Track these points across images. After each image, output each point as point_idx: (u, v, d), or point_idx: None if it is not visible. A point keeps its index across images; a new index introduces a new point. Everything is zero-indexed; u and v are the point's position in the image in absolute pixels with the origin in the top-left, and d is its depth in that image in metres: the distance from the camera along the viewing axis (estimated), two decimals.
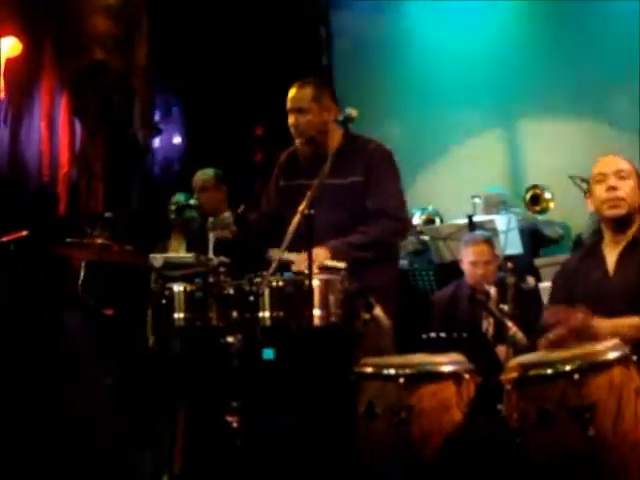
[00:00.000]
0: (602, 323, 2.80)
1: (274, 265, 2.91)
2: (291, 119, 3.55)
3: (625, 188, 3.00)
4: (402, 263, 5.81)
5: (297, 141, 3.59)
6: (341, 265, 3.17)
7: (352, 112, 3.28)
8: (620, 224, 3.03)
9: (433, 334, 3.66)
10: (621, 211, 3.00)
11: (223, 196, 4.90)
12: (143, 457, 4.00)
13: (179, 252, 4.70)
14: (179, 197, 5.11)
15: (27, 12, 5.77)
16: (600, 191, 3.03)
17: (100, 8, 6.04)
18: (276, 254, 3.08)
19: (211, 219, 3.60)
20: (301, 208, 2.96)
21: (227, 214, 3.73)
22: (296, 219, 2.96)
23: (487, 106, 7.24)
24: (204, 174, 4.96)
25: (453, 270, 4.92)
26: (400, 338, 3.60)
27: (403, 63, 7.60)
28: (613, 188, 3.00)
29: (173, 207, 4.87)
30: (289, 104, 3.57)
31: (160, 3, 6.52)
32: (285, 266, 3.12)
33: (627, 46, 6.64)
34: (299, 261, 3.14)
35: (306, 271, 2.91)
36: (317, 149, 3.56)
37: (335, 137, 3.55)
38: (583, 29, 6.98)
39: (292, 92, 3.58)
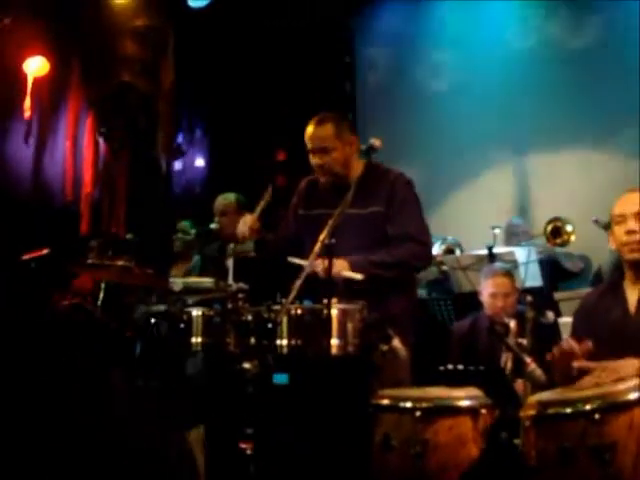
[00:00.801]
0: (627, 362, 2.75)
1: (293, 294, 2.90)
2: (315, 159, 3.54)
3: None
4: (421, 292, 5.80)
5: (322, 178, 3.59)
6: (358, 276, 3.17)
7: (376, 142, 3.29)
8: (639, 266, 2.99)
9: (451, 366, 3.62)
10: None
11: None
12: None
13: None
14: (184, 224, 5.15)
15: (55, 32, 5.86)
16: (620, 233, 2.99)
17: (128, 31, 6.14)
18: (294, 260, 3.10)
19: (231, 245, 3.61)
20: (322, 237, 2.96)
21: (248, 220, 3.70)
22: (316, 248, 2.97)
23: (505, 139, 7.26)
24: (225, 199, 4.97)
25: (472, 301, 4.89)
26: (418, 368, 3.59)
27: (424, 99, 7.67)
28: (632, 232, 2.95)
29: (178, 234, 4.89)
30: (311, 144, 3.56)
31: (187, 28, 6.60)
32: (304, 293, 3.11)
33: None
34: (318, 266, 3.12)
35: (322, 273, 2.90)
36: (339, 181, 3.57)
37: (356, 167, 3.56)
38: (589, 66, 7.02)
39: (312, 130, 3.56)
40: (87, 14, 5.92)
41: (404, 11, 7.95)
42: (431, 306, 5.52)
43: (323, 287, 2.98)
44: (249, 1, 6.85)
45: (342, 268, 3.18)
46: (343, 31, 7.86)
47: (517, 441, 2.72)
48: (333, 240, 2.97)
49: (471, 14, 7.60)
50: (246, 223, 3.63)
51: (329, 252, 2.94)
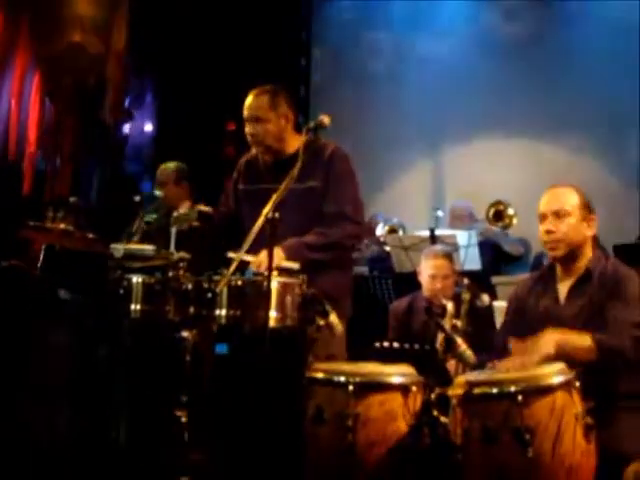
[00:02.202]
0: (550, 335, 2.85)
1: (234, 264, 2.93)
2: (248, 128, 3.56)
3: (563, 228, 3.02)
4: (362, 270, 5.87)
5: (255, 149, 3.62)
6: (295, 266, 3.21)
7: (325, 119, 3.30)
8: (565, 261, 3.08)
9: (386, 344, 3.69)
10: (559, 252, 3.04)
11: (183, 192, 4.86)
12: None
13: None
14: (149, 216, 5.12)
15: None
16: (542, 231, 3.09)
17: None
18: (235, 255, 3.11)
19: (175, 214, 3.61)
20: (265, 211, 2.98)
21: (189, 210, 3.71)
22: (259, 222, 2.98)
23: (454, 121, 7.37)
24: (165, 168, 4.93)
25: (412, 280, 4.97)
26: (354, 344, 3.65)
27: (371, 78, 7.74)
28: (550, 232, 3.04)
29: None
30: (246, 112, 3.57)
31: None
32: (244, 266, 3.14)
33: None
34: (256, 262, 3.18)
35: (264, 272, 2.94)
36: (275, 156, 3.59)
37: (293, 142, 3.57)
38: (534, 55, 7.17)
39: (248, 100, 3.58)
40: None
41: None
42: (371, 284, 5.60)
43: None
44: None
45: (278, 258, 3.21)
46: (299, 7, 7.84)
47: (445, 420, 2.81)
48: (277, 214, 2.99)
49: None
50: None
51: (272, 227, 2.97)
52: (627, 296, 2.91)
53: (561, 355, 2.82)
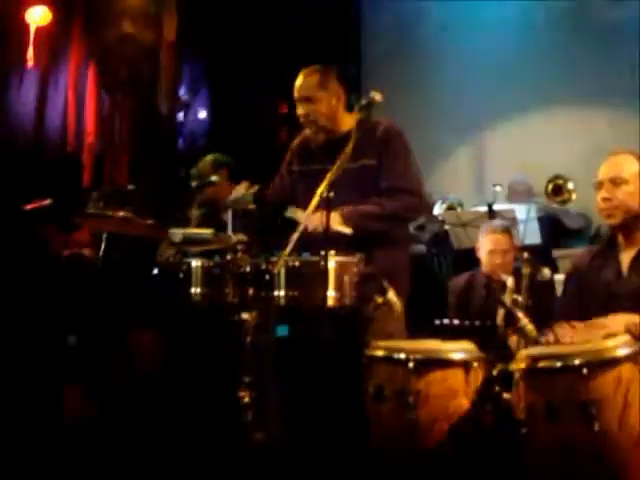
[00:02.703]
0: (617, 317, 2.79)
1: (291, 245, 2.93)
2: (300, 109, 3.55)
3: (619, 195, 2.94)
4: (421, 248, 5.84)
5: (307, 130, 3.61)
6: (347, 230, 3.20)
7: (376, 96, 3.27)
8: (625, 230, 3.00)
9: (446, 321, 3.67)
10: (615, 220, 2.97)
11: (223, 181, 4.87)
12: None
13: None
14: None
15: None
16: (598, 199, 3.01)
17: None
18: (294, 213, 3.13)
19: (231, 197, 3.63)
20: (319, 190, 2.98)
21: (245, 193, 3.72)
22: (314, 201, 2.98)
23: (506, 96, 7.24)
24: (201, 162, 4.93)
25: (471, 257, 4.92)
26: (414, 322, 3.64)
27: (428, 56, 7.62)
28: (607, 199, 2.96)
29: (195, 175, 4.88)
30: (296, 93, 3.56)
31: None
32: (301, 248, 3.13)
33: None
34: (311, 222, 3.16)
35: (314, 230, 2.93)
36: (328, 135, 3.57)
37: (345, 121, 3.54)
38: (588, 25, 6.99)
39: (298, 81, 3.56)
40: None
41: None
42: (430, 262, 5.57)
43: (319, 239, 3.01)
44: None
45: (333, 221, 3.20)
46: None
47: (507, 395, 2.77)
48: (331, 194, 2.99)
49: None
50: (240, 187, 3.65)
51: (327, 205, 2.96)
52: None
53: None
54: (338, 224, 3.21)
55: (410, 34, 7.74)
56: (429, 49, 7.65)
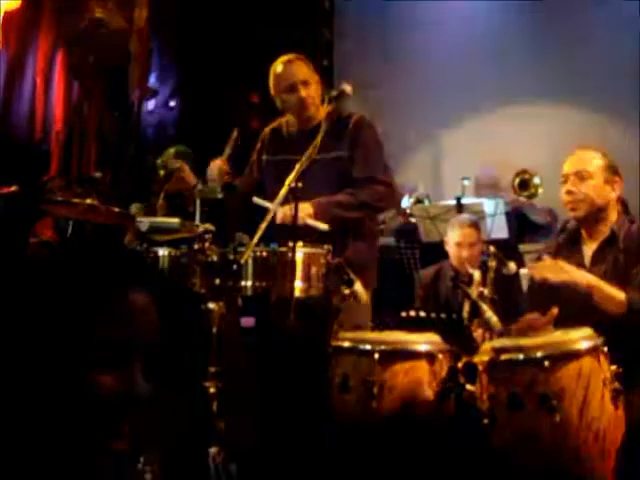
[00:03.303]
0: (582, 274, 2.83)
1: (257, 235, 2.93)
2: (302, 92, 3.53)
3: (584, 189, 2.99)
4: (389, 240, 5.86)
5: (306, 113, 3.56)
6: (324, 226, 3.22)
7: (347, 88, 3.29)
8: (588, 223, 3.05)
9: (412, 313, 3.69)
10: (579, 213, 3.02)
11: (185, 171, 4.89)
12: None
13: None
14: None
15: None
16: (563, 192, 3.06)
17: None
18: (259, 201, 3.14)
19: (199, 187, 3.62)
20: (288, 181, 2.98)
21: (219, 164, 3.69)
22: (282, 191, 2.99)
23: (477, 91, 7.28)
24: (164, 155, 4.93)
25: (439, 250, 4.95)
26: (382, 314, 3.66)
27: (397, 50, 7.65)
28: (570, 192, 3.01)
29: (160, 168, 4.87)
30: (292, 78, 3.54)
31: None
32: (267, 238, 3.14)
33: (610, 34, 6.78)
34: (281, 214, 3.17)
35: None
36: (304, 125, 3.58)
37: (320, 112, 3.55)
38: (568, 18, 7.06)
39: (287, 67, 3.56)
40: None
41: None
42: (398, 254, 5.59)
43: (288, 230, 3.02)
44: None
45: (306, 214, 3.21)
46: None
47: (471, 387, 2.80)
48: (299, 184, 3.00)
49: None
50: (215, 166, 3.63)
51: (295, 196, 2.97)
52: None
53: (591, 295, 2.81)
54: (309, 216, 3.22)
55: (378, 31, 7.75)
56: (397, 46, 7.66)
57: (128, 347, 1.17)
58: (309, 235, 3.20)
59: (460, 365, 2.91)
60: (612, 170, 3.07)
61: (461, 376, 2.90)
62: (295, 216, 2.95)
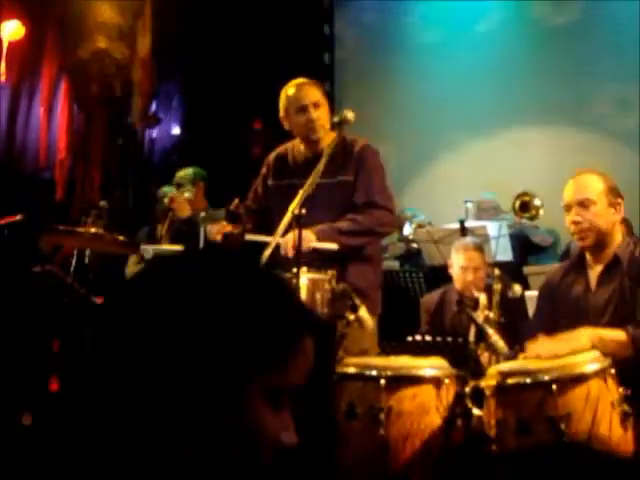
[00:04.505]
0: (584, 331, 2.81)
1: (263, 260, 2.93)
2: (313, 113, 3.52)
3: (589, 217, 2.97)
4: (393, 264, 5.86)
5: (315, 135, 3.57)
6: (333, 246, 3.22)
7: (349, 114, 3.31)
8: (595, 248, 3.03)
9: (418, 337, 3.68)
10: (588, 242, 3.00)
11: (200, 192, 4.91)
12: None
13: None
14: (166, 189, 5.18)
15: None
16: (568, 222, 3.04)
17: None
18: (254, 237, 3.15)
19: (202, 214, 3.63)
20: (292, 207, 2.99)
21: (217, 210, 3.73)
22: (286, 218, 3.00)
23: (479, 114, 7.33)
24: (182, 173, 4.98)
25: (444, 274, 4.94)
26: (387, 338, 3.65)
27: (399, 75, 7.70)
28: (576, 222, 2.99)
29: (164, 197, 4.92)
30: (308, 98, 3.54)
31: None
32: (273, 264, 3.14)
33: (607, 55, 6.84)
34: (284, 244, 3.17)
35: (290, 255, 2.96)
36: (312, 148, 3.58)
37: (327, 137, 3.56)
38: (567, 44, 7.13)
39: (305, 88, 3.58)
40: None
41: None
42: (403, 278, 5.57)
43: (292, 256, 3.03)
44: None
45: (309, 240, 3.21)
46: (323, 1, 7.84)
47: (478, 412, 2.79)
48: (303, 210, 3.00)
49: None
50: (214, 229, 3.62)
51: (298, 223, 2.98)
52: None
53: (597, 318, 2.80)
54: (314, 242, 3.22)
55: (380, 54, 7.81)
56: (399, 69, 7.72)
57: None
58: (313, 261, 3.20)
59: (467, 389, 2.90)
60: (614, 192, 3.05)
61: (468, 401, 2.89)
62: (299, 244, 2.94)
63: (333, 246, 3.26)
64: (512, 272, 5.16)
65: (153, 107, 7.03)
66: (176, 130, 7.47)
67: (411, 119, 7.52)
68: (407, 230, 6.38)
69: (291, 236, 3.09)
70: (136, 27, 6.30)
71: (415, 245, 5.94)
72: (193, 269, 1.08)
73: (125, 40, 6.20)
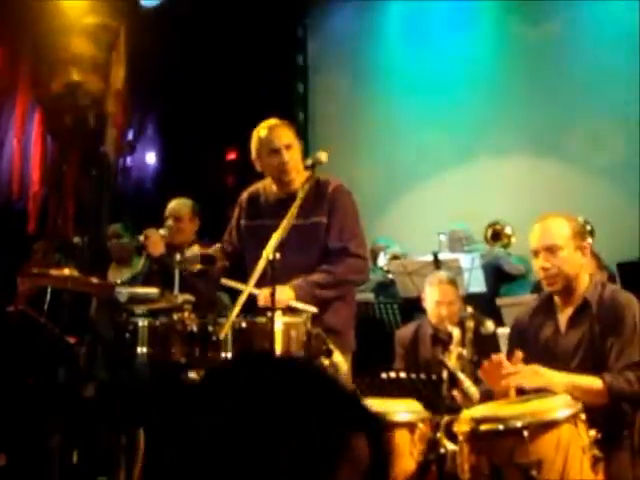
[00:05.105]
0: (557, 377, 2.84)
1: (236, 309, 2.95)
2: (286, 156, 3.51)
3: (557, 262, 2.98)
4: (367, 296, 5.89)
5: (287, 177, 3.58)
6: (312, 309, 3.22)
7: (322, 156, 3.33)
8: (563, 293, 3.05)
9: (392, 374, 3.70)
10: (557, 287, 3.01)
11: (194, 228, 4.84)
12: None
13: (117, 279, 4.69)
14: (115, 227, 5.15)
15: (4, 30, 5.79)
16: (536, 267, 3.05)
17: (78, 29, 6.08)
18: (229, 283, 3.15)
19: (178, 256, 3.62)
20: (266, 253, 3.00)
21: (195, 251, 3.74)
22: (261, 264, 3.01)
23: (449, 145, 7.44)
24: (181, 204, 4.84)
25: (418, 305, 4.98)
26: (361, 369, 3.66)
27: (371, 103, 7.80)
28: (544, 269, 3.00)
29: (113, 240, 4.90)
30: (280, 140, 3.53)
31: (138, 26, 6.56)
32: (249, 307, 3.16)
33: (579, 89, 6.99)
34: (262, 297, 3.19)
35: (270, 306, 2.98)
36: (285, 189, 3.59)
37: (299, 178, 3.56)
38: (537, 74, 7.25)
39: (274, 131, 3.56)
40: (37, 12, 5.85)
41: (356, 11, 8.01)
42: (377, 310, 5.61)
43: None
44: (202, 1, 6.84)
45: (288, 298, 3.23)
46: (296, 31, 7.89)
47: (452, 447, 2.81)
48: (277, 255, 3.01)
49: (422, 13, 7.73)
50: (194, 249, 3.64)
51: (272, 268, 2.99)
52: (628, 329, 2.89)
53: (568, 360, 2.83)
54: (292, 298, 3.23)
55: (354, 82, 7.89)
56: (368, 105, 7.79)
57: None
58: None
59: (443, 425, 2.92)
60: (580, 235, 3.07)
61: (443, 436, 2.91)
62: (273, 300, 2.96)
63: (312, 309, 3.26)
64: (485, 304, 5.22)
65: (129, 136, 7.04)
66: (151, 158, 7.48)
67: (383, 149, 7.59)
68: (382, 261, 6.42)
69: (268, 290, 3.07)
70: (110, 59, 6.31)
71: (390, 275, 5.97)
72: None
73: (99, 72, 6.21)
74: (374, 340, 5.06)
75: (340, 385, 1.21)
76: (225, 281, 3.30)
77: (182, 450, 1.10)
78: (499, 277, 6.18)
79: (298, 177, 3.55)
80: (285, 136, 3.58)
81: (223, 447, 1.06)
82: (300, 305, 3.22)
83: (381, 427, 2.70)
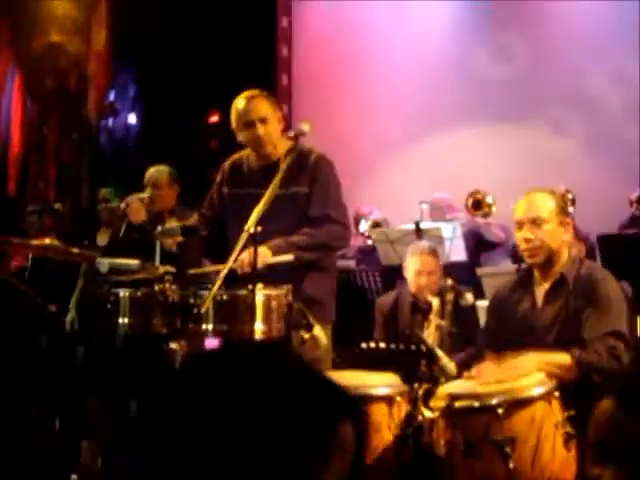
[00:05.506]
0: (530, 356, 2.88)
1: (218, 282, 2.95)
2: (260, 130, 3.49)
3: (540, 235, 3.02)
4: (349, 263, 5.92)
5: (244, 152, 3.58)
6: (289, 257, 3.24)
7: (304, 127, 3.32)
8: (543, 266, 3.09)
9: (372, 344, 3.74)
10: (538, 259, 3.06)
11: (174, 195, 4.84)
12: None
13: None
14: (104, 191, 5.12)
15: None
16: (519, 238, 3.10)
17: None
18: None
19: (159, 228, 3.62)
20: (247, 226, 3.00)
21: (175, 224, 3.73)
22: (242, 237, 3.01)
23: (430, 114, 7.43)
24: (158, 171, 4.85)
25: (399, 273, 5.01)
26: (342, 339, 3.70)
27: (355, 71, 7.74)
28: (527, 240, 3.04)
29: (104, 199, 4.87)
30: (251, 115, 3.50)
31: None
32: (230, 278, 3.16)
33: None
34: (239, 262, 3.18)
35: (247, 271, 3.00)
36: (266, 159, 3.59)
37: (280, 147, 3.54)
38: (525, 34, 7.25)
39: (247, 103, 3.52)
40: None
41: None
42: (359, 277, 5.63)
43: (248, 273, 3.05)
44: None
45: (265, 256, 3.23)
46: None
47: (431, 414, 2.85)
48: (259, 228, 3.01)
49: None
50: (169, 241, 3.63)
51: (254, 241, 3.00)
52: (602, 302, 2.94)
53: (544, 337, 2.88)
54: (270, 257, 3.24)
55: (335, 51, 7.82)
56: (354, 69, 7.73)
57: None
58: (269, 276, 3.23)
59: (421, 393, 2.96)
60: (564, 212, 3.13)
61: (420, 404, 2.95)
62: (254, 262, 2.97)
63: (289, 257, 3.28)
64: (466, 273, 5.26)
65: (110, 97, 6.96)
66: (132, 119, 7.41)
67: (362, 119, 7.57)
68: (363, 227, 6.44)
69: (247, 254, 3.10)
70: (91, 20, 6.21)
71: (370, 242, 5.99)
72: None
73: (80, 33, 6.12)
74: (355, 308, 5.10)
75: (321, 373, 1.23)
76: (196, 270, 3.30)
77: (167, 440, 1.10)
78: (479, 245, 6.22)
79: (279, 146, 3.54)
80: (260, 108, 3.53)
81: (216, 447, 1.07)
82: (274, 259, 3.23)
83: (363, 411, 2.76)
